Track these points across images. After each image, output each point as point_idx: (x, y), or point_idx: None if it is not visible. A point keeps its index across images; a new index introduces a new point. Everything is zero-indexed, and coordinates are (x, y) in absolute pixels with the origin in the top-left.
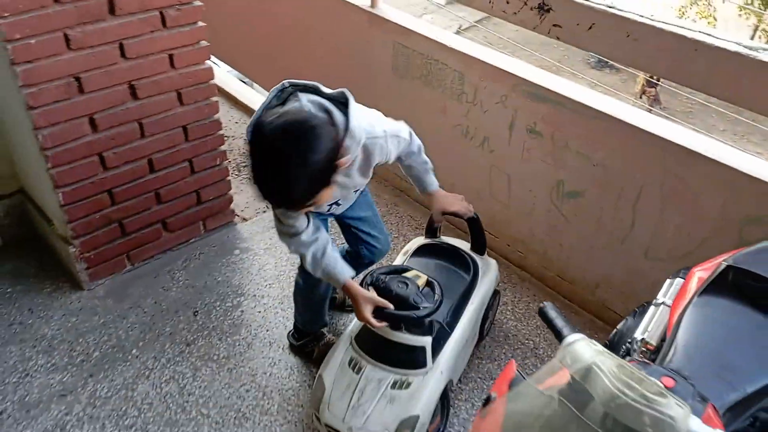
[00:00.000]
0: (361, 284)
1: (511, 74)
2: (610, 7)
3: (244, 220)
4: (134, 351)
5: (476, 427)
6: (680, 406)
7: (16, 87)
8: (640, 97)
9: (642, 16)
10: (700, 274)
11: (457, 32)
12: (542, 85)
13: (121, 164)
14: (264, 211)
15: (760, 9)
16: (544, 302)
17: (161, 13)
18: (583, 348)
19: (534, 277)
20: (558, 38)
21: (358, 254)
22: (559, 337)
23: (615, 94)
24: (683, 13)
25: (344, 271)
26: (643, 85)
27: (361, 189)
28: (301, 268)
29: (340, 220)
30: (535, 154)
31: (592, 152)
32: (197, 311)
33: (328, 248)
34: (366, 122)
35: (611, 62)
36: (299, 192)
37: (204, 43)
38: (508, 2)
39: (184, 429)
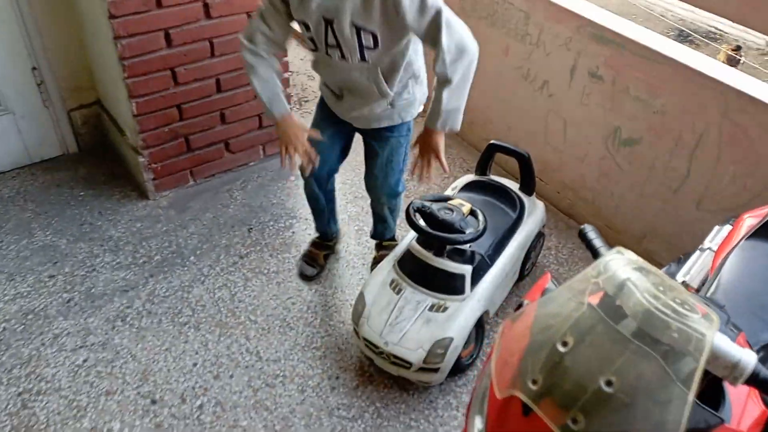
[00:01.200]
0: (406, 209)
1: (576, 15)
2: None
3: None
4: (192, 258)
5: (506, 330)
6: (709, 321)
7: None
8: None
9: None
10: (750, 220)
11: None
12: (608, 26)
13: (191, 81)
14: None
15: None
16: (585, 225)
17: None
18: (617, 264)
19: (580, 224)
20: None
21: None
22: (597, 256)
23: None
24: None
25: (281, 107)
26: (724, 60)
27: (375, 58)
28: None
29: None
30: (594, 99)
31: (652, 98)
32: (251, 228)
33: (273, 74)
34: None
35: (692, 36)
36: None
37: None
38: None
39: (233, 331)
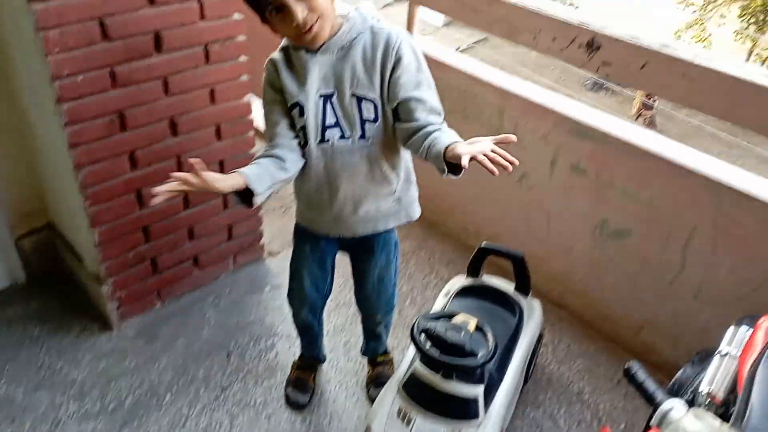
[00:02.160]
0: (411, 334)
1: (552, 111)
2: (663, 46)
3: (271, 254)
4: (168, 397)
5: None
6: None
7: (58, 125)
8: (636, 119)
9: (697, 56)
10: None
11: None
12: (586, 122)
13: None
14: (290, 245)
15: (755, 33)
16: (631, 362)
17: (206, 48)
18: (687, 422)
19: (573, 317)
20: (607, 76)
21: None
22: (653, 401)
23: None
24: (679, 36)
25: (244, 169)
26: (639, 107)
27: (370, 133)
28: (288, 288)
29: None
30: (577, 191)
31: (639, 191)
32: (230, 353)
33: (273, 162)
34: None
35: (606, 84)
36: None
37: (245, 77)
38: (554, 39)
39: None
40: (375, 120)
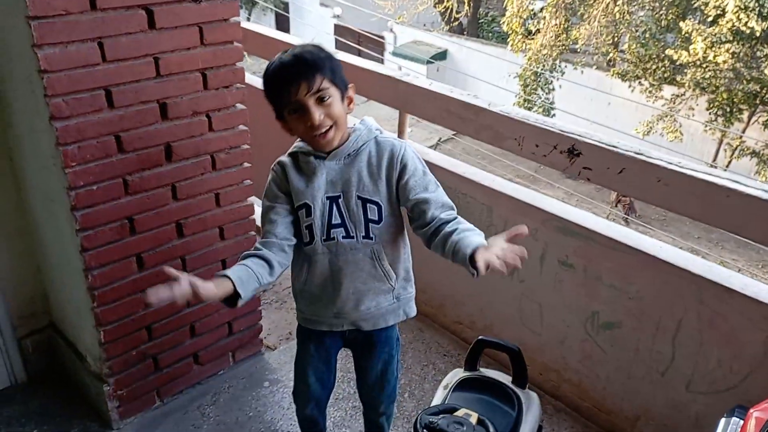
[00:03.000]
0: (414, 428)
1: (540, 209)
2: (638, 153)
3: (269, 348)
4: None
5: None
6: None
7: (71, 230)
8: (615, 206)
9: (671, 163)
10: (758, 414)
11: (437, 144)
12: (572, 220)
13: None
14: (287, 338)
15: (724, 126)
16: None
17: (212, 156)
18: None
19: (569, 407)
20: (588, 179)
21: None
22: None
23: (590, 203)
24: (650, 127)
25: (232, 270)
26: (618, 194)
27: (376, 232)
28: (293, 386)
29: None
30: (567, 285)
31: (626, 285)
32: None
33: (260, 265)
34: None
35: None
36: (320, 60)
37: (248, 182)
38: (537, 146)
39: None
40: (378, 221)
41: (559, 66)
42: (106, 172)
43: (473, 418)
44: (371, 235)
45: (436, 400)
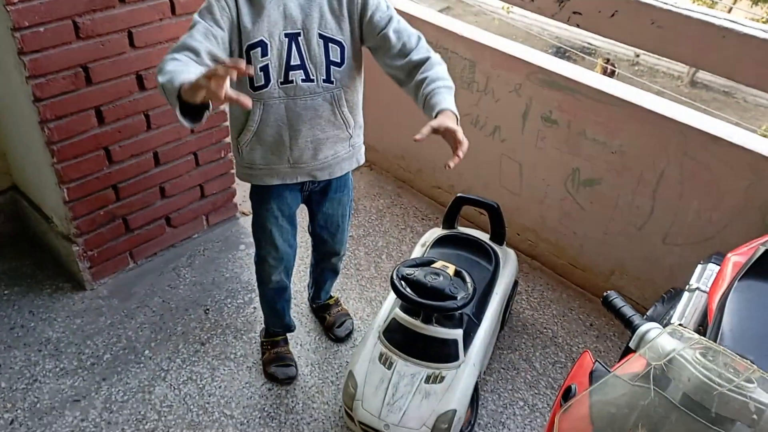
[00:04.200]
0: (391, 281)
1: (525, 62)
2: None
3: (244, 214)
4: (147, 352)
5: (561, 423)
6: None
7: (21, 78)
8: None
9: (666, 3)
10: (736, 259)
11: None
12: (558, 72)
13: (127, 158)
14: None
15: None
16: (608, 291)
17: (171, 1)
18: (664, 339)
19: (546, 266)
20: (578, 25)
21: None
22: (630, 325)
23: None
24: None
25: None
26: (600, 74)
27: (338, 85)
28: (257, 255)
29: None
30: (549, 142)
31: (610, 139)
32: (208, 309)
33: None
34: None
35: (569, 52)
36: None
37: None
38: None
39: (209, 431)
40: (340, 64)
41: None
42: (52, 12)
43: (450, 269)
44: (332, 78)
45: (414, 257)
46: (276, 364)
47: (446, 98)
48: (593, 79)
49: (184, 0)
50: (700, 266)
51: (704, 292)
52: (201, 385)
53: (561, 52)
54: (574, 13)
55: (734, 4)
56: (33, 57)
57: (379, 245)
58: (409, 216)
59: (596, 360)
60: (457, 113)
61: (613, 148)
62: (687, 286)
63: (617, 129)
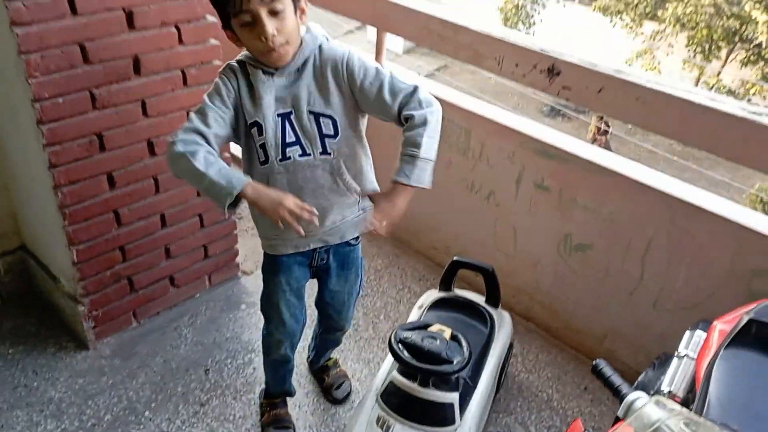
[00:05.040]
0: (389, 344)
1: (518, 132)
2: (618, 71)
3: (245, 273)
4: (147, 413)
5: None
6: None
7: (38, 145)
8: (592, 144)
9: (649, 81)
10: (722, 327)
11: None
12: (550, 142)
13: (135, 220)
14: None
15: (702, 63)
16: (597, 360)
17: (183, 71)
18: (650, 409)
19: (540, 328)
20: (567, 99)
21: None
22: (618, 394)
23: None
24: (630, 64)
25: (240, 175)
26: (594, 133)
27: (336, 146)
28: (265, 328)
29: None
30: (542, 207)
31: (600, 207)
32: (208, 369)
33: (218, 157)
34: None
35: (563, 111)
36: None
37: None
38: (517, 65)
39: None
40: (335, 135)
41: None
42: (71, 84)
43: (447, 333)
44: (329, 150)
45: (412, 319)
46: (275, 426)
47: (405, 168)
48: (583, 148)
49: (195, 72)
50: (688, 333)
51: (692, 359)
52: None
53: (555, 111)
54: (564, 87)
55: (723, 68)
56: (51, 126)
57: (378, 306)
58: (407, 276)
59: (587, 428)
60: (411, 182)
61: (603, 215)
62: (676, 353)
63: (607, 197)
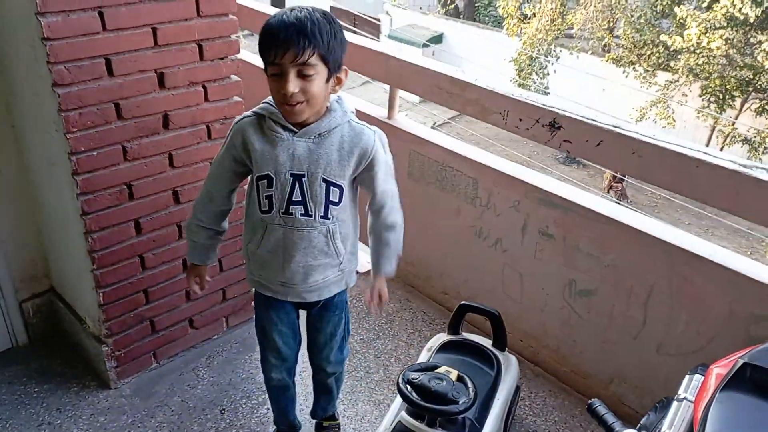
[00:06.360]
0: (397, 385)
1: (522, 182)
2: (615, 126)
3: None
4: None
5: None
6: None
7: (72, 194)
8: (608, 192)
9: (645, 136)
10: (718, 371)
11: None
12: (553, 192)
13: (159, 264)
14: None
15: (716, 112)
16: (592, 399)
17: (208, 126)
18: None
19: (548, 372)
20: (568, 152)
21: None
22: (611, 431)
23: (583, 189)
24: (644, 114)
25: (197, 253)
26: (610, 180)
27: (334, 204)
28: (260, 353)
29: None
30: (547, 254)
31: (603, 254)
32: (224, 409)
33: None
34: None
35: (578, 158)
36: (320, 33)
37: None
38: (521, 119)
39: None
40: (338, 203)
41: (555, 51)
42: (105, 139)
43: (453, 374)
44: (330, 215)
45: (420, 361)
46: None
47: (382, 263)
48: (584, 198)
49: (219, 127)
50: (687, 376)
51: (691, 402)
52: None
53: (570, 159)
54: (565, 141)
55: (737, 117)
56: (85, 177)
57: (389, 348)
58: (417, 320)
59: None
60: (390, 273)
61: (606, 261)
62: (676, 396)
63: (608, 244)
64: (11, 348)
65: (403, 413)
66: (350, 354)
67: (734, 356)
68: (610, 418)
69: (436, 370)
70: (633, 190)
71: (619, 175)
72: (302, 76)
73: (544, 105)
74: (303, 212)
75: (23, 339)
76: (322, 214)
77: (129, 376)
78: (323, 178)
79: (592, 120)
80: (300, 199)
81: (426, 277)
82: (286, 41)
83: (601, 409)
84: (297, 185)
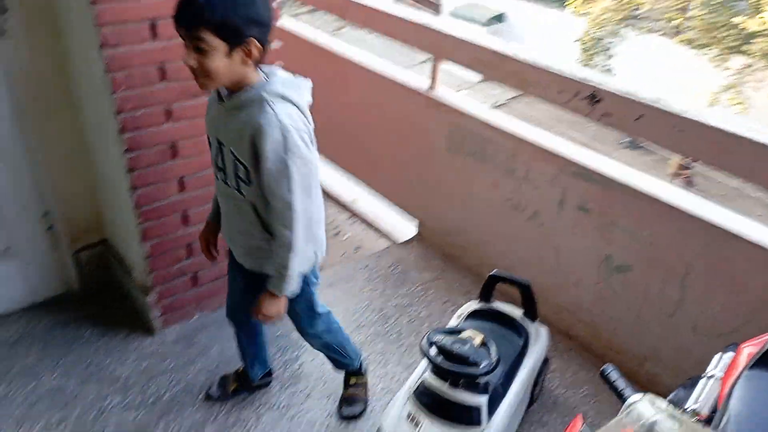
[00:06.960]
0: (420, 344)
1: (560, 156)
2: (655, 101)
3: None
4: (201, 396)
5: None
6: None
7: (119, 152)
8: (674, 179)
9: (685, 111)
10: (749, 349)
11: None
12: (591, 167)
13: (201, 221)
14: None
15: None
16: (606, 365)
17: None
18: (644, 407)
19: (581, 346)
20: (609, 125)
21: None
22: (621, 397)
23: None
24: (716, 98)
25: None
26: (677, 167)
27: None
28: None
29: None
30: (583, 229)
31: (640, 230)
32: None
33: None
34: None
35: (643, 144)
36: (212, 9)
37: None
38: (559, 92)
39: None
40: (247, 183)
41: (621, 31)
42: (150, 99)
43: (477, 339)
44: (242, 192)
45: (449, 326)
46: (219, 379)
47: (270, 275)
48: (622, 172)
49: None
50: (718, 355)
51: (718, 379)
52: (246, 429)
53: (634, 144)
54: (604, 114)
55: None
56: (130, 135)
57: (422, 315)
58: (452, 290)
59: (585, 422)
60: (276, 290)
61: (643, 238)
62: (705, 373)
63: (646, 221)
64: (66, 294)
65: (428, 373)
66: (385, 319)
67: (766, 335)
68: (621, 383)
69: (461, 335)
70: (701, 179)
71: (686, 163)
72: (198, 50)
73: (583, 78)
74: (223, 178)
75: (77, 286)
76: (236, 188)
77: (173, 324)
78: (231, 151)
79: (633, 93)
80: (222, 166)
81: (462, 248)
82: (181, 16)
83: (613, 375)
84: (220, 153)
